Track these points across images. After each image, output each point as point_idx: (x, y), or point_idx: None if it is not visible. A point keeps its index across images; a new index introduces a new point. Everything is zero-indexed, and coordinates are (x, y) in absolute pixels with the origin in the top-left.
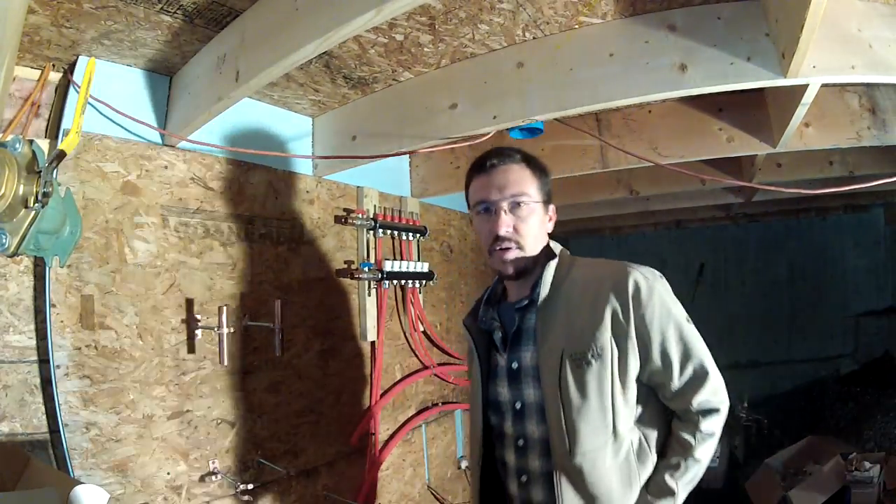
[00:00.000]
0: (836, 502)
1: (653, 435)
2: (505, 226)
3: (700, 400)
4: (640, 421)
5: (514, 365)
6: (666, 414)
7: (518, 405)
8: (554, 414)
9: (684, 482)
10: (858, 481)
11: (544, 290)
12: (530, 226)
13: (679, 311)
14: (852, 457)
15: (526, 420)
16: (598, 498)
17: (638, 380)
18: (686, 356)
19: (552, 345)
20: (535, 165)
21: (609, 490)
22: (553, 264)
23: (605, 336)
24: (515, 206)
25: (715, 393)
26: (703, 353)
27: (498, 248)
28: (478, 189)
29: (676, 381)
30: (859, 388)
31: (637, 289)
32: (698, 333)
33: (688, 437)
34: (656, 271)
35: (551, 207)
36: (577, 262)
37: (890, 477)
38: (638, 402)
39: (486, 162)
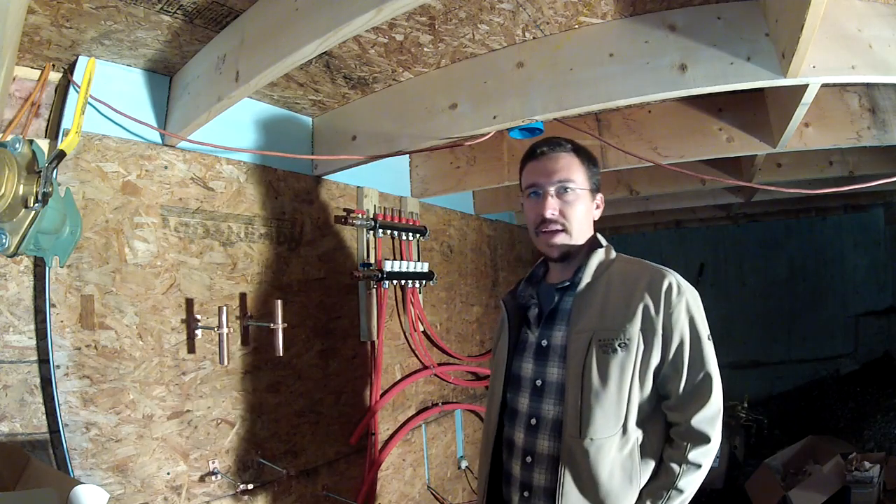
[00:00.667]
0: (836, 502)
1: (656, 440)
2: (551, 208)
3: (698, 419)
4: (648, 423)
5: (544, 342)
6: (667, 429)
7: (539, 382)
8: (573, 394)
9: None
10: (858, 481)
11: (587, 275)
12: (576, 210)
13: (703, 326)
14: (852, 457)
15: (544, 398)
16: (599, 487)
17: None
18: (697, 367)
19: (583, 327)
20: (585, 155)
21: (610, 482)
22: (599, 252)
23: (635, 328)
24: (563, 190)
25: (712, 422)
26: (713, 371)
27: (544, 230)
28: (528, 174)
29: (682, 390)
30: (859, 388)
31: (670, 289)
32: (715, 355)
33: (674, 465)
34: (693, 286)
35: (599, 196)
36: (620, 257)
37: (890, 477)
38: (650, 402)
39: (537, 149)
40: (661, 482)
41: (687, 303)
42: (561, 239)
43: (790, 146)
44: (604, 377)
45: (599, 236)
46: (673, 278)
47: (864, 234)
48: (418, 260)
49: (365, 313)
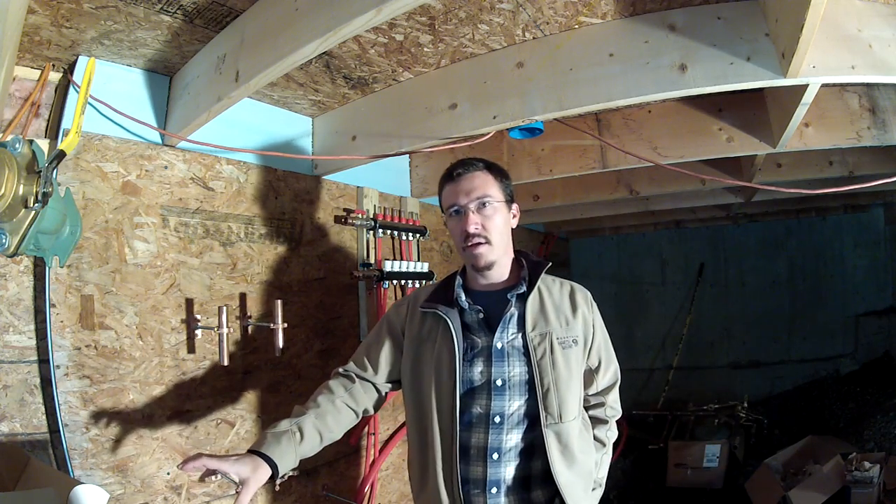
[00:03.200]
0: (836, 502)
1: (587, 416)
2: (473, 223)
3: (611, 399)
4: (582, 404)
5: (499, 344)
6: None
7: (499, 382)
8: (545, 387)
9: (604, 473)
10: (858, 481)
11: (538, 284)
12: (495, 223)
13: (604, 328)
14: (852, 457)
15: (506, 396)
16: (576, 460)
17: None
18: (609, 361)
19: (540, 329)
20: (497, 171)
21: (582, 455)
22: (546, 267)
23: (579, 329)
24: (481, 206)
25: (617, 399)
26: (616, 363)
27: (469, 244)
28: (448, 195)
29: (601, 380)
30: (859, 388)
31: (591, 301)
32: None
33: (601, 435)
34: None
35: (514, 206)
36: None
37: (890, 477)
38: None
39: (452, 172)
40: (598, 448)
41: (598, 312)
42: (485, 250)
43: (790, 146)
44: (569, 368)
45: (529, 253)
46: (589, 293)
47: (864, 234)
48: (418, 260)
49: (365, 313)
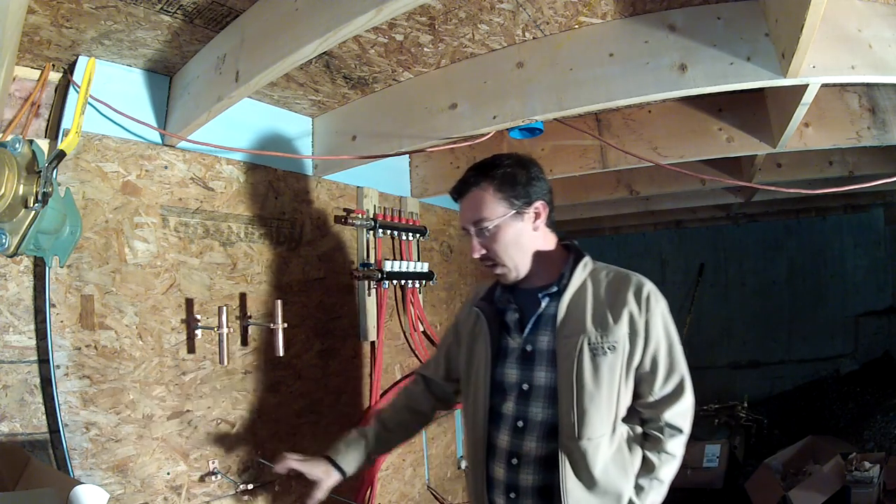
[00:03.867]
0: (836, 502)
1: (638, 432)
2: (476, 251)
3: (670, 415)
4: (628, 417)
5: (529, 347)
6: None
7: (525, 386)
8: (567, 397)
9: (653, 500)
10: (858, 481)
11: (574, 282)
12: (500, 244)
13: (673, 330)
14: (852, 457)
15: (531, 402)
16: (598, 482)
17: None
18: (671, 369)
19: (571, 332)
20: (500, 178)
21: (606, 476)
22: (587, 263)
23: (622, 332)
24: (480, 230)
25: (684, 415)
26: (685, 372)
27: (485, 265)
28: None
29: (657, 390)
30: (859, 388)
31: (650, 296)
32: (684, 356)
33: (653, 457)
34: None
35: (536, 205)
36: (598, 264)
37: (890, 477)
38: (630, 399)
39: (454, 196)
40: (643, 473)
41: (662, 310)
42: (500, 270)
43: (790, 146)
44: (597, 380)
45: (577, 244)
46: (650, 286)
47: (864, 234)
48: (418, 260)
49: (365, 313)
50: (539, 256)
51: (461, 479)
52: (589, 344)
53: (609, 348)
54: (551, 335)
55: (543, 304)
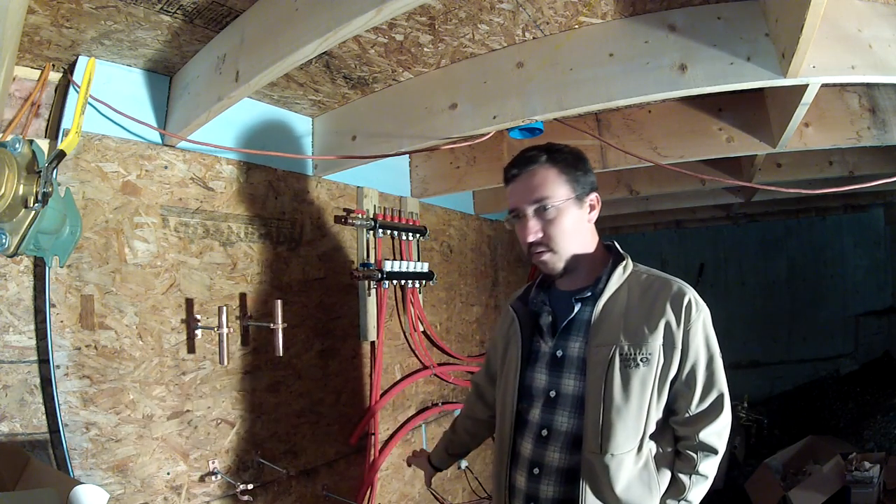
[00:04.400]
0: (836, 502)
1: (668, 450)
2: (532, 232)
3: (706, 433)
4: (659, 434)
5: (559, 353)
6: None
7: (553, 393)
8: (594, 409)
9: None
10: (858, 481)
11: (611, 287)
12: (560, 227)
13: (715, 344)
14: (852, 457)
15: (557, 410)
16: (620, 500)
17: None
18: (709, 385)
19: (603, 340)
20: (564, 160)
21: (628, 494)
22: (626, 266)
23: (657, 343)
24: (541, 210)
25: (720, 435)
26: (724, 389)
27: (533, 252)
28: (509, 198)
29: (694, 406)
30: (859, 388)
31: (690, 305)
32: (723, 371)
33: (684, 477)
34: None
35: (592, 197)
36: (638, 267)
37: (890, 477)
38: (663, 415)
39: (508, 172)
40: (672, 493)
41: (704, 320)
42: (550, 258)
43: (790, 146)
44: (626, 392)
45: (617, 245)
46: (692, 294)
47: (864, 234)
48: (418, 260)
49: (365, 313)
50: (583, 254)
51: (461, 479)
52: (621, 354)
53: (642, 360)
54: (583, 342)
55: (577, 308)
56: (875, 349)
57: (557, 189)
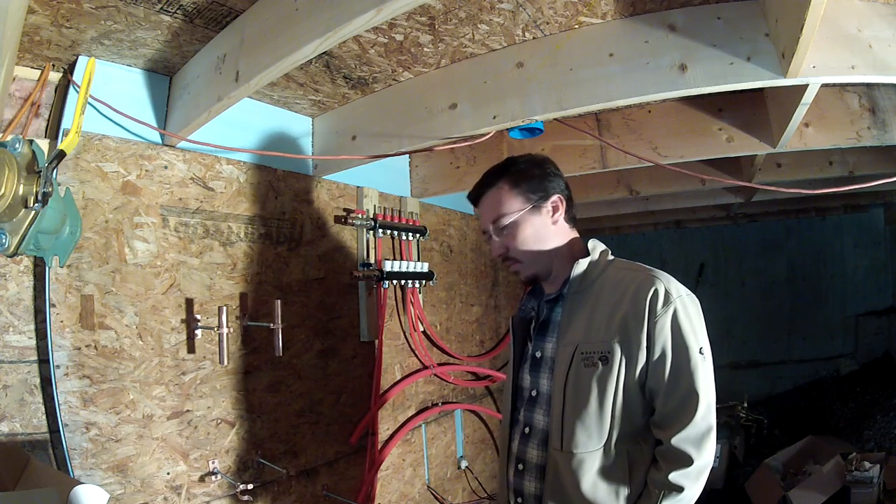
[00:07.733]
0: (836, 502)
1: (648, 457)
2: (496, 250)
3: (679, 439)
4: (641, 438)
5: (538, 354)
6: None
7: (534, 393)
8: (557, 407)
9: None
10: (858, 481)
11: (571, 286)
12: (520, 240)
13: (693, 338)
14: (852, 457)
15: (536, 408)
16: (586, 498)
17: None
18: (680, 383)
19: (570, 340)
20: (516, 173)
21: (594, 495)
22: (583, 262)
23: (615, 341)
24: (499, 228)
25: (697, 442)
26: (701, 388)
27: (506, 265)
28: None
29: (664, 406)
30: (859, 388)
31: (655, 297)
32: (710, 373)
33: (654, 488)
34: (693, 294)
35: (551, 200)
36: (616, 262)
37: (890, 477)
38: (644, 417)
39: (472, 201)
40: (647, 497)
41: (675, 312)
42: (519, 268)
43: (790, 146)
44: (583, 392)
45: (593, 241)
46: (662, 285)
47: (864, 234)
48: (418, 260)
49: (365, 313)
50: (561, 257)
51: (461, 479)
52: (582, 353)
53: (601, 359)
54: (555, 342)
55: (548, 309)
56: (875, 349)
57: (510, 204)
